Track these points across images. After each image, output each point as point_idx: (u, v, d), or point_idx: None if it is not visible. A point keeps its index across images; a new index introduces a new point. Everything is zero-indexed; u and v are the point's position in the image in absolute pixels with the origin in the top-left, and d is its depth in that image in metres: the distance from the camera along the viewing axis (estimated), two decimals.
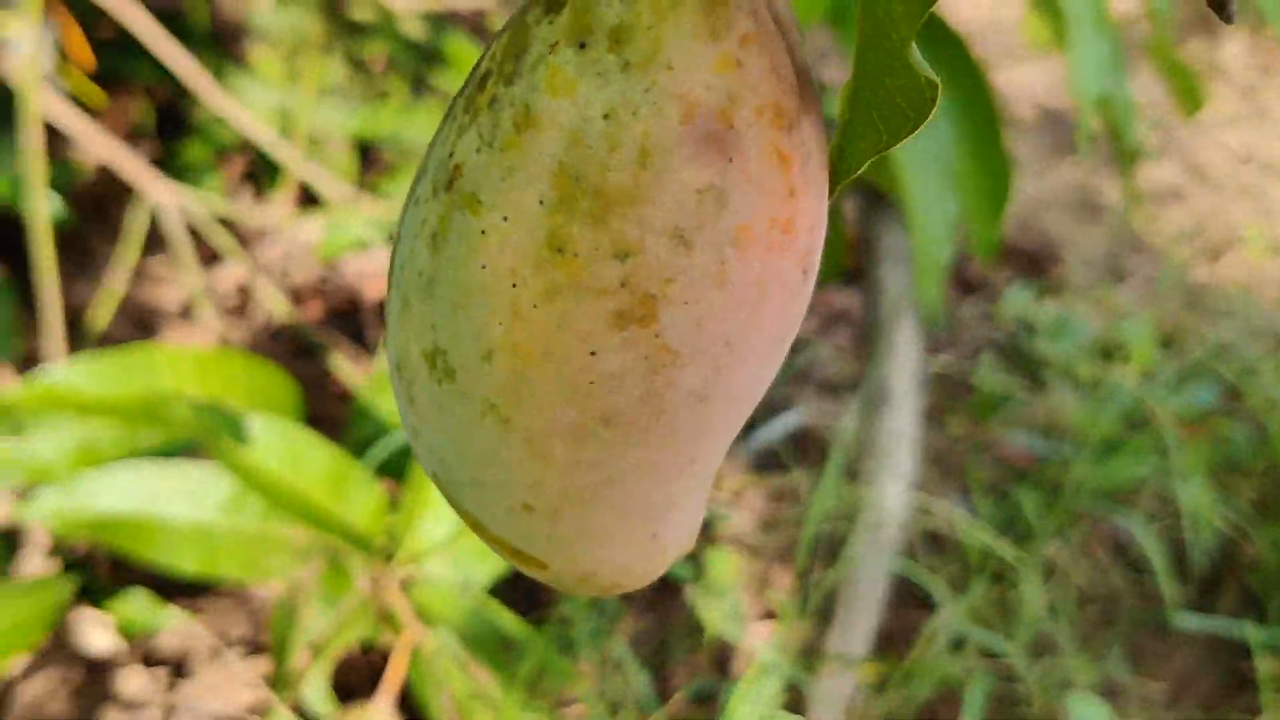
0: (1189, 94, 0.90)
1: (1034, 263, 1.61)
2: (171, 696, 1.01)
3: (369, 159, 1.55)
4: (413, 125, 1.40)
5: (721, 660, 1.06)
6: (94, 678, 1.02)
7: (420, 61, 1.38)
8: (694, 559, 1.11)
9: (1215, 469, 1.18)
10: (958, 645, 1.04)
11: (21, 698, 0.98)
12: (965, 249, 1.42)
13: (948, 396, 1.34)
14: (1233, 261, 1.66)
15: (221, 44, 1.50)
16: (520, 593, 1.06)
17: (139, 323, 1.36)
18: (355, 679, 1.01)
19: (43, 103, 0.99)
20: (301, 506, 0.85)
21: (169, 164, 1.41)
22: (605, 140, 0.21)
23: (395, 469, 0.94)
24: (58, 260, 1.04)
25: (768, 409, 1.36)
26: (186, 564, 0.84)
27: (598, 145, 0.21)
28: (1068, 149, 1.87)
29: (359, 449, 0.93)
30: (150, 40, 1.17)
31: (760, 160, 0.22)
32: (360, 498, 0.88)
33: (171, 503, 0.85)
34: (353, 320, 1.41)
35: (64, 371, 0.92)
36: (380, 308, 1.40)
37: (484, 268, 0.22)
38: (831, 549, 1.10)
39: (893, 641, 1.08)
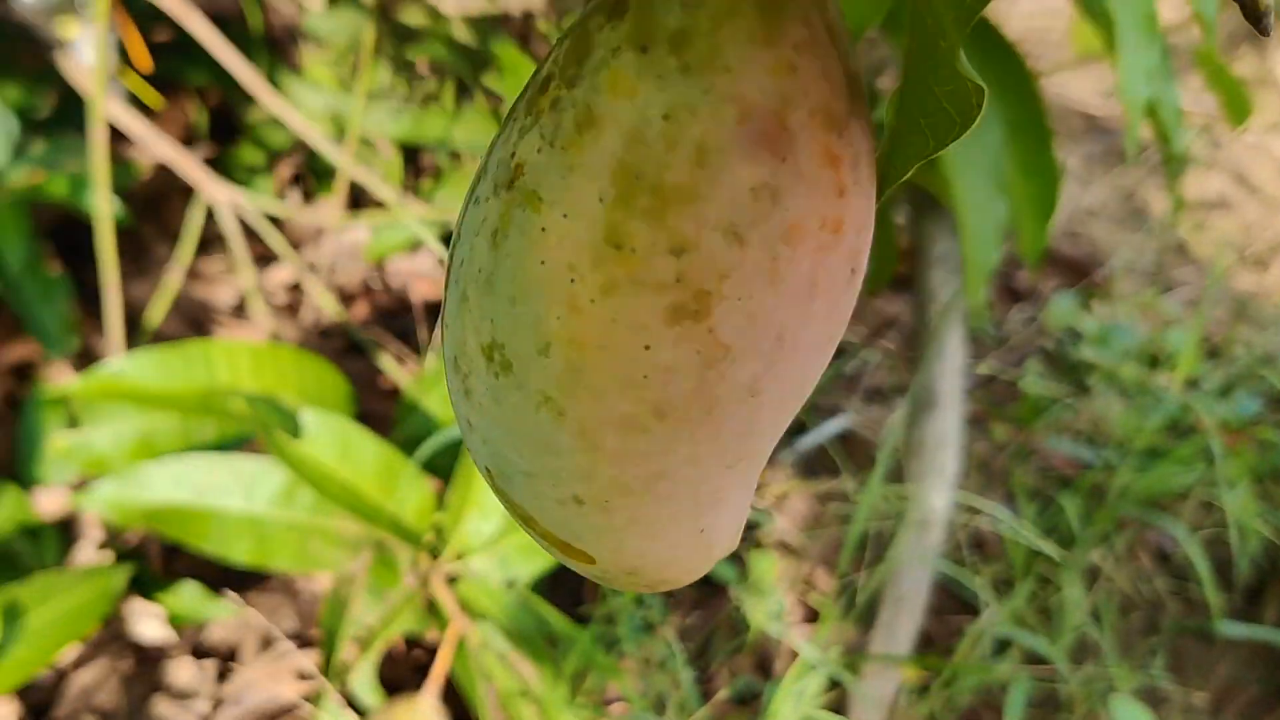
0: (1237, 104, 0.89)
1: (1081, 271, 1.60)
2: (220, 687, 1.03)
3: (415, 162, 1.57)
4: (459, 129, 1.41)
5: (764, 660, 1.07)
6: (144, 668, 1.03)
7: (469, 66, 1.39)
8: (738, 560, 1.11)
9: (1260, 477, 1.17)
10: (1000, 649, 1.03)
11: (73, 686, 1.00)
12: (1013, 256, 1.41)
13: (994, 403, 1.34)
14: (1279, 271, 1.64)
15: (275, 48, 1.52)
16: (564, 590, 1.07)
17: (191, 320, 1.38)
18: (401, 672, 1.03)
19: (105, 104, 1.01)
20: (352, 500, 0.86)
21: (221, 166, 1.44)
22: (664, 139, 0.21)
23: (441, 467, 0.95)
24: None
25: (814, 414, 1.36)
26: (239, 554, 0.86)
27: (657, 144, 0.21)
28: (1114, 158, 1.85)
29: (406, 447, 0.94)
30: (207, 43, 1.19)
31: (811, 160, 0.22)
32: (409, 493, 0.90)
33: (225, 494, 0.87)
34: (400, 320, 1.43)
35: (123, 364, 0.94)
36: (427, 308, 1.41)
37: (543, 263, 0.23)
38: (875, 551, 1.10)
39: (934, 644, 1.07)
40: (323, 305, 1.35)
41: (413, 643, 1.05)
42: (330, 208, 1.40)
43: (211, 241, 1.44)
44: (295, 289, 1.46)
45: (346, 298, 1.46)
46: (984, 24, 0.74)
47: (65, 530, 1.07)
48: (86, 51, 1.21)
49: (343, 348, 1.36)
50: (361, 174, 1.24)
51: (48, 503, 1.09)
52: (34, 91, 1.28)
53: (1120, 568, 1.12)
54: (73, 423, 1.01)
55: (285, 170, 1.56)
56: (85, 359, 1.21)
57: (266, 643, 1.06)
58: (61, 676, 1.01)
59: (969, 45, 0.23)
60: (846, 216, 0.23)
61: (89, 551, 1.06)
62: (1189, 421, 1.19)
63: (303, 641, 1.06)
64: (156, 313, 1.17)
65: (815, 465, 1.30)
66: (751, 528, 1.17)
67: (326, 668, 0.82)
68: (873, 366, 1.44)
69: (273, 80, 1.38)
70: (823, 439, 1.32)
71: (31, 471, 1.04)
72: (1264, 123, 1.98)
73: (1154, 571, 1.15)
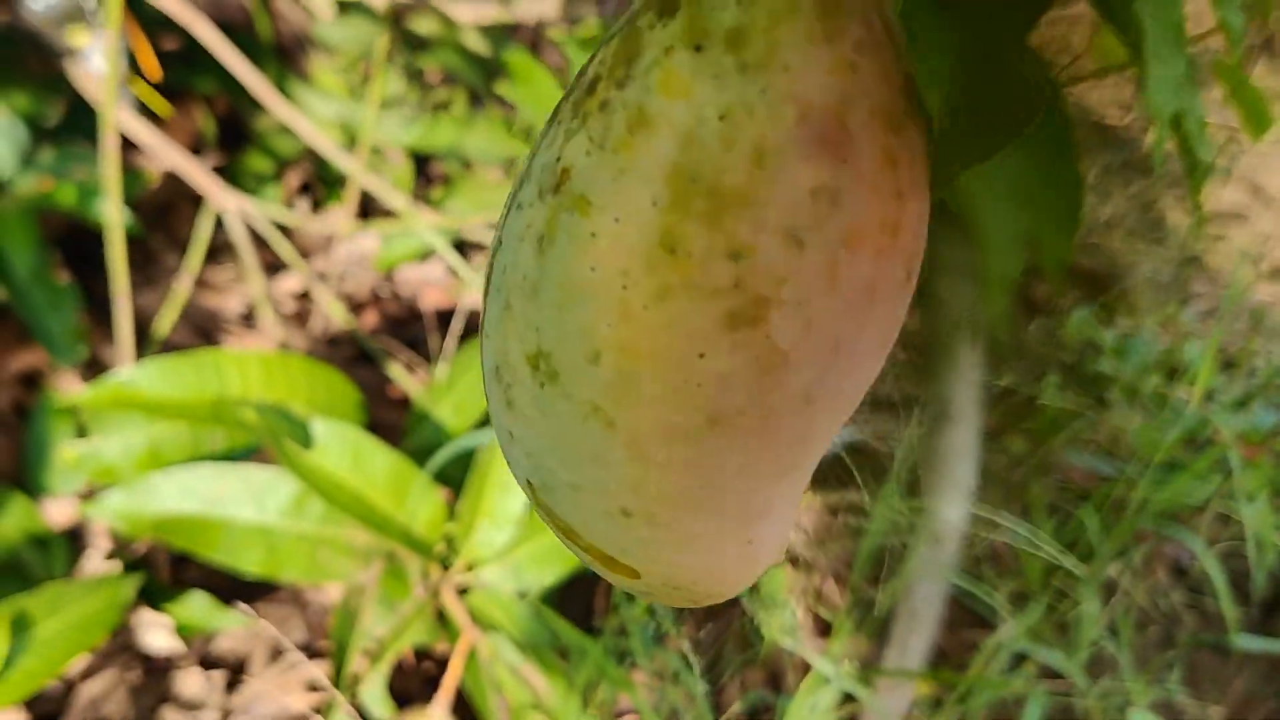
0: (1257, 116, 0.89)
1: (1100, 283, 1.59)
2: (229, 698, 1.02)
3: (425, 171, 1.56)
4: (471, 137, 1.41)
5: (776, 674, 1.06)
6: (153, 678, 1.03)
7: (481, 74, 1.39)
8: None
9: (1278, 490, 1.16)
10: (1016, 663, 1.03)
11: (81, 697, 0.99)
12: (1031, 268, 1.40)
13: (1010, 416, 1.33)
14: None
15: (284, 56, 1.52)
16: (576, 602, 1.06)
17: (200, 329, 1.37)
18: (411, 684, 1.02)
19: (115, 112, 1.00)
20: (363, 510, 0.86)
21: (230, 174, 1.43)
22: (720, 140, 0.20)
23: (453, 477, 0.95)
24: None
25: None
26: (249, 564, 0.85)
27: (713, 145, 0.21)
28: (1132, 170, 1.85)
29: (416, 456, 0.94)
30: (216, 51, 1.19)
31: (871, 162, 0.22)
32: (420, 503, 0.89)
33: (235, 504, 0.86)
34: (410, 329, 1.42)
35: (132, 374, 0.94)
36: (437, 316, 1.41)
37: (593, 269, 0.22)
38: (888, 565, 1.09)
39: (949, 658, 1.07)
40: (332, 314, 1.34)
41: (423, 654, 1.04)
42: (340, 216, 1.40)
43: (220, 250, 1.44)
44: (304, 298, 1.45)
45: (356, 306, 1.45)
46: None
47: (73, 540, 1.07)
48: (96, 59, 1.21)
49: (352, 356, 1.35)
50: (372, 182, 1.23)
51: (56, 512, 1.08)
52: (43, 99, 1.27)
53: (1137, 581, 1.12)
54: (81, 432, 1.00)
55: (294, 178, 1.55)
56: (94, 368, 1.20)
57: (276, 654, 1.05)
58: (70, 687, 1.00)
59: None
60: (904, 220, 0.23)
61: (97, 561, 1.05)
62: (1207, 434, 1.18)
63: (312, 653, 1.05)
64: (165, 322, 1.17)
65: (826, 476, 1.29)
66: None
67: (337, 679, 0.81)
68: (882, 376, 1.43)
69: (282, 88, 1.38)
70: (833, 449, 1.31)
71: (40, 481, 1.03)
72: (1278, 134, 1.98)
73: (1170, 585, 1.14)
